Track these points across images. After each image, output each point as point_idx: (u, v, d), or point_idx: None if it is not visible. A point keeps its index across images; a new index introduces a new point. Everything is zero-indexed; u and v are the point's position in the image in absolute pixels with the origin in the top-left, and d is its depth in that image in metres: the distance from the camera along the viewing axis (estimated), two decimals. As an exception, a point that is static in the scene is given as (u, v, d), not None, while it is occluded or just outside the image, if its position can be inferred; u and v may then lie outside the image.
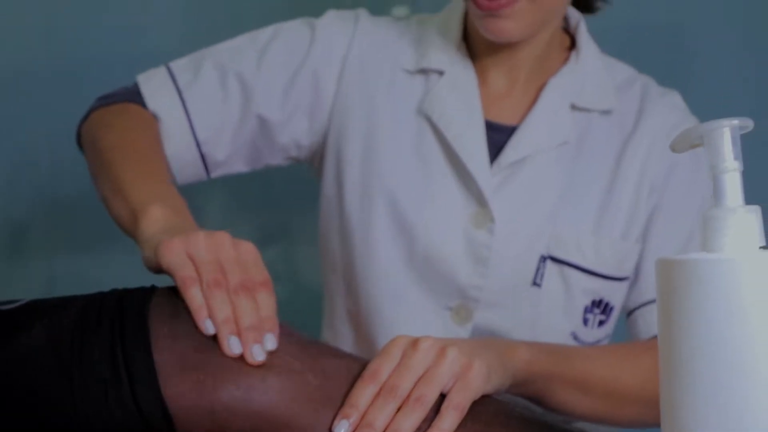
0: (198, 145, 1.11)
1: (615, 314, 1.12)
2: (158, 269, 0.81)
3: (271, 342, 0.77)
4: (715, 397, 0.60)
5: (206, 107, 1.11)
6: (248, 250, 0.81)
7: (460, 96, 1.10)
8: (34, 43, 1.53)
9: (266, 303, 0.78)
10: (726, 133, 0.62)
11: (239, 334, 0.76)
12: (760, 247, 0.62)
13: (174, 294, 0.81)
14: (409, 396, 0.78)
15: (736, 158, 0.62)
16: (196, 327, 0.78)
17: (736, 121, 0.62)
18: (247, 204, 1.54)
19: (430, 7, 1.31)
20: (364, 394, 0.77)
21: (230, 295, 0.78)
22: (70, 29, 1.52)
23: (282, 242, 1.52)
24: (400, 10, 1.52)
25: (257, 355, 0.76)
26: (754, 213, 0.62)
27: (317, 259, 1.20)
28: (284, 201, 1.51)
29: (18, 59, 1.53)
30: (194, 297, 0.77)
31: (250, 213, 1.56)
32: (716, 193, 0.63)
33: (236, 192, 1.51)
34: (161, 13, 1.53)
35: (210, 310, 0.77)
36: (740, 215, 0.62)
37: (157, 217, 0.86)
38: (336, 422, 0.76)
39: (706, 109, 1.20)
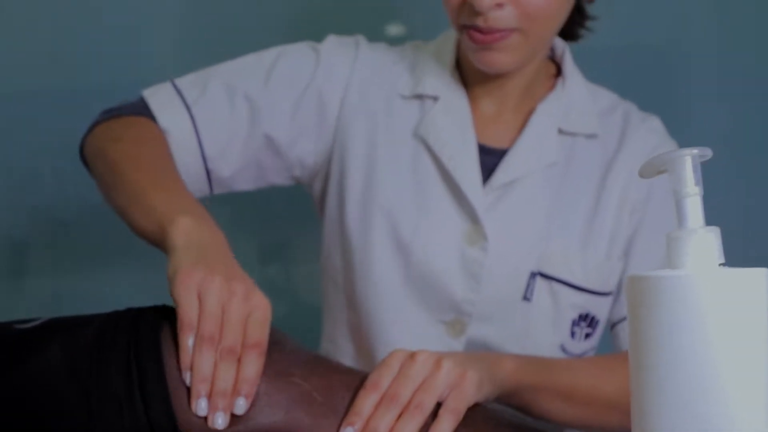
0: (204, 160, 1.13)
1: (600, 327, 1.16)
2: (170, 290, 0.83)
3: (241, 407, 0.78)
4: (678, 402, 0.65)
5: (214, 124, 1.13)
6: (258, 305, 0.82)
7: (454, 121, 1.14)
8: (37, 61, 1.53)
9: (251, 366, 0.79)
10: (687, 161, 0.67)
11: (210, 397, 0.78)
12: (719, 264, 0.67)
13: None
14: (408, 403, 0.83)
15: (696, 184, 0.67)
16: None
17: (696, 150, 0.67)
18: (246, 222, 1.54)
19: (424, 25, 1.35)
20: (366, 402, 0.82)
21: (218, 354, 0.79)
22: (73, 49, 1.53)
23: (280, 259, 1.51)
24: (395, 28, 1.55)
25: (218, 422, 0.78)
26: (713, 233, 0.67)
27: (315, 275, 1.23)
28: (283, 219, 1.52)
29: (21, 77, 1.54)
30: (185, 345, 0.79)
31: (249, 231, 1.56)
32: (679, 216, 0.67)
33: (235, 209, 1.50)
34: (160, 36, 1.54)
35: (193, 364, 0.79)
36: (701, 235, 0.66)
37: (186, 228, 0.87)
38: (341, 429, 0.81)
39: (689, 129, 1.26)
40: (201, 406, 0.78)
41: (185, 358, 0.79)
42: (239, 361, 0.80)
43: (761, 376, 0.66)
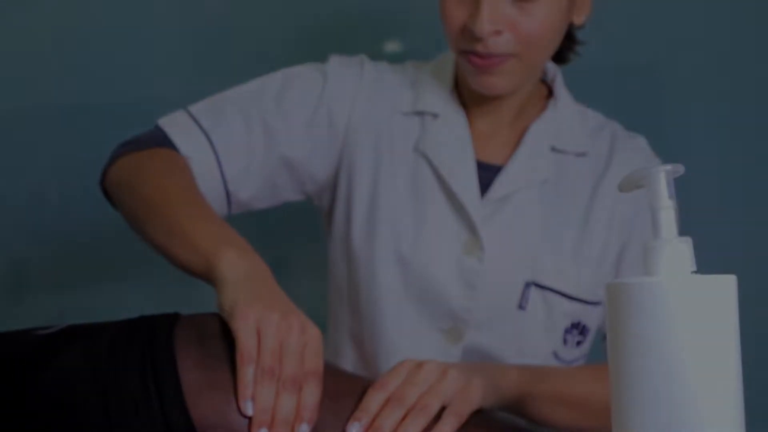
0: (225, 184, 1.16)
1: (591, 335, 1.20)
2: (228, 324, 0.87)
3: (304, 430, 0.83)
4: (652, 402, 0.69)
5: (233, 149, 1.16)
6: (313, 337, 0.87)
7: (454, 137, 1.19)
8: (44, 82, 1.55)
9: (310, 393, 0.84)
10: (662, 177, 0.73)
11: (271, 425, 0.82)
12: (692, 272, 0.71)
13: (198, 322, 0.88)
14: (414, 406, 0.88)
15: (670, 197, 0.72)
16: (219, 352, 0.85)
17: (669, 167, 0.72)
18: (246, 237, 1.56)
19: (422, 44, 1.39)
20: (374, 401, 0.87)
21: (278, 384, 0.83)
22: (79, 70, 1.55)
23: (280, 274, 1.60)
24: (392, 46, 1.58)
25: None
26: (686, 243, 0.72)
27: (312, 291, 1.25)
28: (282, 234, 1.52)
29: (27, 98, 1.55)
30: (245, 374, 0.83)
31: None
32: (654, 227, 0.72)
33: (235, 226, 1.54)
34: (164, 57, 1.56)
35: (255, 395, 0.82)
36: (674, 245, 0.71)
37: (232, 261, 0.90)
38: (349, 424, 0.86)
39: (677, 148, 1.30)
40: None
41: (245, 389, 0.82)
42: (299, 391, 0.84)
43: (731, 377, 0.70)
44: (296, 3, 1.57)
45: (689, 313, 0.70)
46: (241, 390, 0.82)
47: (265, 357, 0.83)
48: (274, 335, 0.84)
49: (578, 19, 1.16)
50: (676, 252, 0.72)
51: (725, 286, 0.71)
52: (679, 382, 0.69)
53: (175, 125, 1.16)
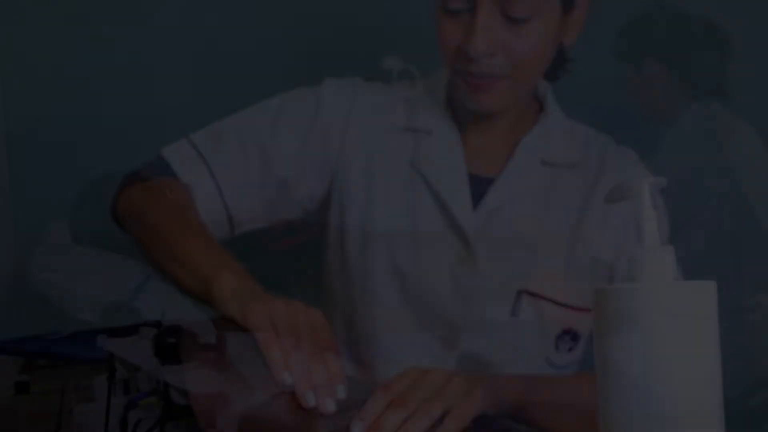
0: (226, 209, 1.21)
1: (582, 342, 1.23)
2: (243, 326, 0.94)
3: (341, 391, 0.90)
4: (633, 402, 0.73)
5: (232, 175, 1.21)
6: (318, 317, 0.96)
7: (447, 152, 1.23)
8: (46, 101, 1.59)
9: (335, 362, 0.92)
10: (645, 188, 0.77)
11: (314, 390, 0.89)
12: (674, 279, 0.75)
13: (202, 326, 0.94)
14: (416, 409, 0.91)
15: (654, 208, 0.76)
16: (222, 353, 0.90)
17: (652, 179, 0.77)
18: (240, 253, 1.58)
19: (419, 59, 1.42)
20: (378, 403, 0.91)
21: (306, 357, 0.91)
22: (83, 88, 1.59)
23: (271, 289, 1.63)
24: (391, 61, 1.64)
25: (330, 406, 0.89)
26: (667, 251, 0.76)
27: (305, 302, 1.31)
28: (274, 249, 1.56)
29: (31, 116, 1.60)
30: (274, 355, 0.91)
31: (244, 261, 1.59)
32: (638, 235, 0.76)
33: (228, 243, 1.56)
34: (165, 79, 1.60)
35: (289, 368, 0.90)
36: (656, 253, 0.75)
37: (229, 281, 0.99)
38: (352, 424, 0.89)
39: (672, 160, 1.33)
40: (310, 397, 0.89)
41: (278, 366, 0.90)
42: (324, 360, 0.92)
43: (710, 379, 0.74)
44: (294, 24, 1.60)
45: (670, 318, 0.73)
46: (275, 368, 0.89)
47: (285, 337, 0.91)
48: (285, 320, 0.93)
49: (569, 40, 1.19)
50: (659, 260, 0.75)
51: (705, 292, 0.75)
52: (660, 385, 0.72)
53: (176, 155, 1.22)
